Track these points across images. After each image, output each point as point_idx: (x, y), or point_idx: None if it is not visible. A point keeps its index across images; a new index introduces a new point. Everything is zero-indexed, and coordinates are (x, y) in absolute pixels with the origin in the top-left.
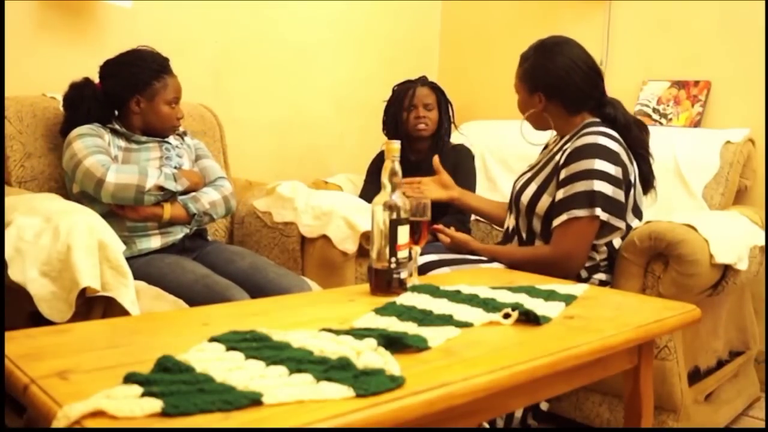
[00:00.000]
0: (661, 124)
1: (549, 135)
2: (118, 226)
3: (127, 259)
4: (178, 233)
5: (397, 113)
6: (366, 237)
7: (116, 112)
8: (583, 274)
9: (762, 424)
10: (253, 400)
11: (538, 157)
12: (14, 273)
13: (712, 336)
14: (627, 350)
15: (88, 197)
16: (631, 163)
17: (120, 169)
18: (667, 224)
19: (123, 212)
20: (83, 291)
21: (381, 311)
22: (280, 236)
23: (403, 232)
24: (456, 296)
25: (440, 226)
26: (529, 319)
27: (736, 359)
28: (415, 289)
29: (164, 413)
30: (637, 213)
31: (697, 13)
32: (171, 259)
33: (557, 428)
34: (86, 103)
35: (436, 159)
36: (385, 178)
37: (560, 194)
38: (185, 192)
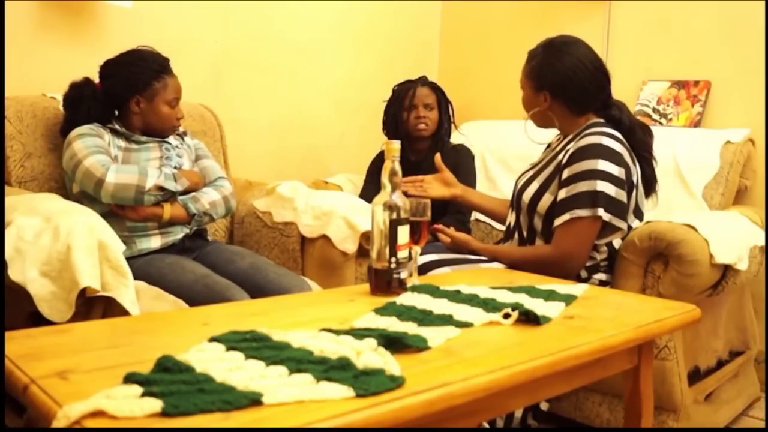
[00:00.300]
0: (661, 124)
1: (552, 134)
2: (118, 226)
3: (127, 259)
4: (178, 233)
5: (398, 113)
6: (366, 237)
7: (116, 112)
8: (583, 274)
9: (762, 424)
10: (253, 400)
11: (540, 155)
12: (14, 273)
13: (712, 336)
14: (627, 350)
15: (88, 197)
16: (634, 164)
17: (120, 169)
18: (667, 224)
19: (123, 212)
20: (83, 291)
21: (381, 311)
22: (280, 236)
23: (403, 232)
24: (456, 296)
25: (440, 226)
26: (529, 319)
27: (736, 359)
28: (415, 289)
29: (164, 413)
30: (638, 214)
31: (697, 13)
32: (171, 259)
33: (557, 428)
34: (86, 103)
35: (437, 157)
36: (385, 178)
37: (563, 194)
38: (185, 192)
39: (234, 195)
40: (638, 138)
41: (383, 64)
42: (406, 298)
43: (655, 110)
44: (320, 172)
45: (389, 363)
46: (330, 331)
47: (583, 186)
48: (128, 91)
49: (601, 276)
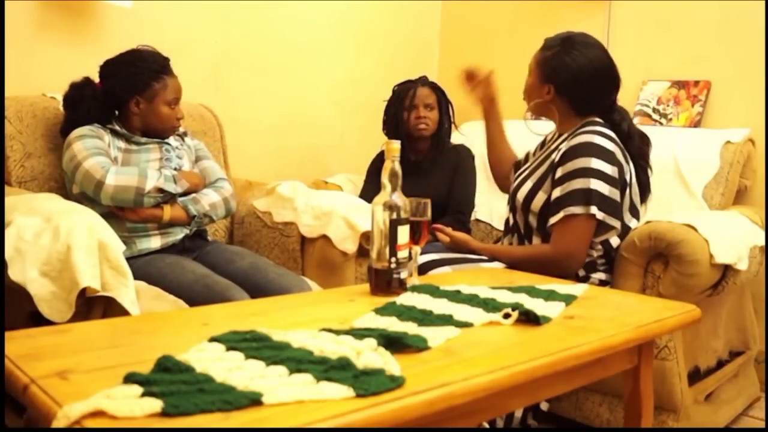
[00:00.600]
0: (661, 124)
1: (549, 128)
2: (118, 227)
3: (127, 259)
4: (178, 233)
5: (398, 113)
6: (366, 237)
7: (116, 113)
8: (581, 272)
9: (762, 424)
10: (253, 400)
11: (534, 155)
12: (14, 273)
13: (712, 336)
14: (627, 350)
15: (88, 198)
16: (627, 162)
17: (119, 171)
18: (667, 224)
19: (123, 214)
20: (83, 291)
21: (381, 311)
22: (280, 236)
23: (403, 232)
24: (456, 296)
25: (439, 226)
26: (529, 319)
27: (736, 359)
28: (415, 289)
29: (164, 413)
30: (634, 212)
31: (697, 13)
32: (171, 259)
33: (557, 428)
34: (86, 103)
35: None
36: (385, 178)
37: (557, 192)
38: (185, 193)
39: (234, 196)
40: (636, 146)
41: (383, 64)
42: (406, 298)
43: (655, 110)
44: (320, 172)
45: (389, 363)
46: (330, 331)
47: (576, 184)
48: (128, 92)
49: (601, 276)
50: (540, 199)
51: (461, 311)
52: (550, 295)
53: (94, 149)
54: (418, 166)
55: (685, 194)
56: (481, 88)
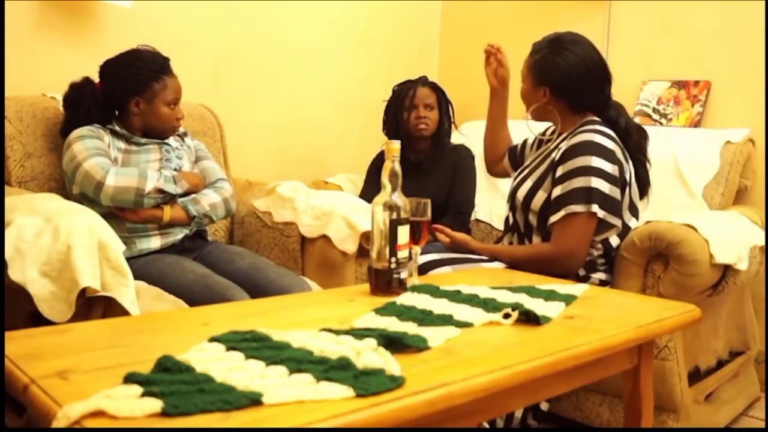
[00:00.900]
0: (661, 124)
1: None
2: (118, 227)
3: (127, 259)
4: (178, 234)
5: (398, 113)
6: (366, 237)
7: (116, 113)
8: (581, 271)
9: (762, 424)
10: (253, 400)
11: (534, 154)
12: (14, 273)
13: (712, 336)
14: (627, 350)
15: (88, 198)
16: (627, 161)
17: (119, 172)
18: (667, 224)
19: (123, 214)
20: (83, 291)
21: (381, 311)
22: (280, 236)
23: (403, 232)
24: (456, 296)
25: (439, 226)
26: (529, 319)
27: (736, 359)
28: (415, 289)
29: (164, 413)
30: (634, 211)
31: (697, 13)
32: (171, 259)
33: (557, 428)
34: (86, 104)
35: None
36: (385, 178)
37: (557, 191)
38: (185, 194)
39: (234, 196)
40: (634, 140)
41: (383, 64)
42: (406, 298)
43: (655, 110)
44: (320, 172)
45: (389, 363)
46: (330, 331)
47: (577, 182)
48: (128, 92)
49: (601, 276)
50: (540, 197)
51: (461, 311)
52: (550, 295)
53: (94, 150)
54: (418, 166)
55: (685, 194)
56: (493, 67)
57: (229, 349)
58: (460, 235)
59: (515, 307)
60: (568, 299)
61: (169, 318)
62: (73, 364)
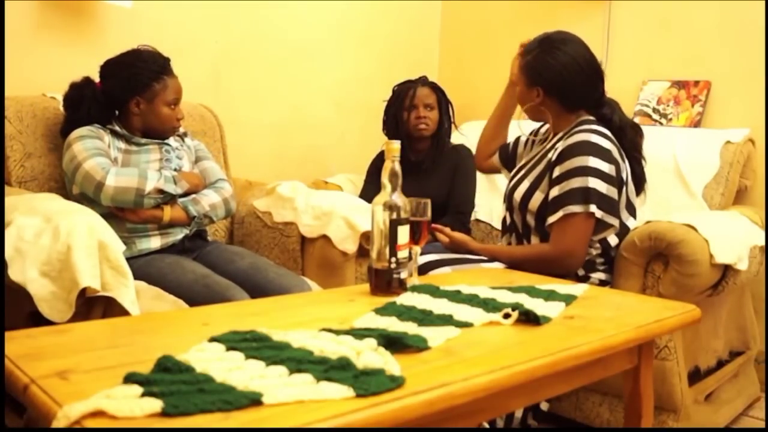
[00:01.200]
0: (661, 124)
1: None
2: (118, 227)
3: (127, 259)
4: (178, 234)
5: (398, 113)
6: (366, 237)
7: (116, 113)
8: (581, 272)
9: (762, 424)
10: (253, 400)
11: (529, 154)
12: (14, 273)
13: (712, 336)
14: (627, 350)
15: (88, 198)
16: (623, 161)
17: (120, 173)
18: (667, 224)
19: (123, 214)
20: (83, 291)
21: (381, 311)
22: (280, 236)
23: (403, 232)
24: (456, 296)
25: (438, 226)
26: (529, 319)
27: (736, 359)
28: (415, 289)
29: (164, 413)
30: (631, 210)
31: (697, 13)
32: (171, 259)
33: (557, 428)
34: (86, 103)
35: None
36: (385, 178)
37: (555, 191)
38: (185, 194)
39: (234, 197)
40: (629, 138)
41: (383, 64)
42: (406, 298)
43: (655, 110)
44: (320, 172)
45: (389, 363)
46: (330, 331)
47: (574, 183)
48: (128, 92)
49: (601, 275)
50: (537, 198)
51: (461, 311)
52: (550, 295)
53: (95, 150)
54: (418, 166)
55: (685, 194)
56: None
57: (229, 349)
58: (459, 235)
59: (515, 307)
60: (568, 299)
61: (169, 318)
62: (73, 364)
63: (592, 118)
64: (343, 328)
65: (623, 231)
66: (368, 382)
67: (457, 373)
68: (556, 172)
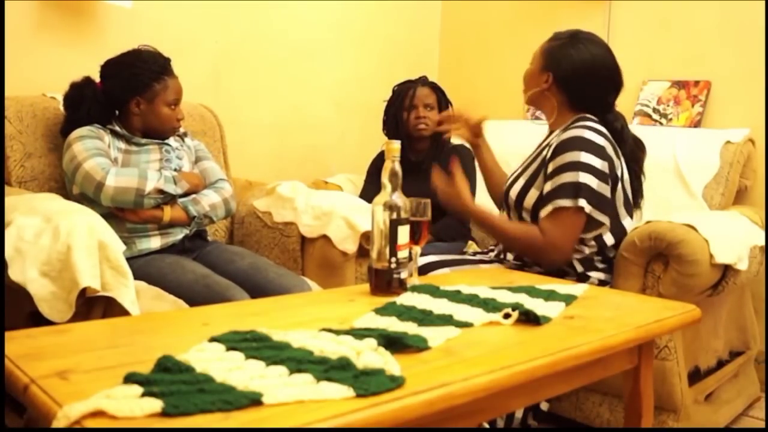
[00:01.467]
0: (661, 124)
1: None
2: (118, 227)
3: (127, 259)
4: (178, 234)
5: (398, 113)
6: (366, 237)
7: (116, 113)
8: (579, 268)
9: (762, 424)
10: (253, 400)
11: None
12: (14, 273)
13: (712, 336)
14: (627, 350)
15: (88, 198)
16: (618, 158)
17: (120, 173)
18: (667, 224)
19: (123, 215)
20: (83, 291)
21: (381, 311)
22: (280, 236)
23: (403, 232)
24: (456, 296)
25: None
26: (529, 319)
27: (736, 359)
28: (415, 289)
29: (164, 413)
30: (629, 208)
31: (697, 13)
32: (171, 259)
33: (557, 428)
34: (87, 103)
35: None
36: (385, 178)
37: (548, 186)
38: (185, 194)
39: (234, 197)
40: (629, 149)
41: (383, 64)
42: (406, 298)
43: (655, 110)
44: (320, 172)
45: (389, 363)
46: (330, 331)
47: (566, 177)
48: (128, 93)
49: (600, 275)
50: (532, 196)
51: (461, 311)
52: (550, 295)
53: (95, 150)
54: (418, 166)
55: (685, 194)
56: (463, 129)
57: (229, 349)
58: (461, 184)
59: (515, 307)
60: (568, 299)
61: (169, 318)
62: (73, 364)
63: (590, 116)
64: (343, 328)
65: (619, 230)
66: (368, 382)
67: (457, 373)
68: (550, 167)
